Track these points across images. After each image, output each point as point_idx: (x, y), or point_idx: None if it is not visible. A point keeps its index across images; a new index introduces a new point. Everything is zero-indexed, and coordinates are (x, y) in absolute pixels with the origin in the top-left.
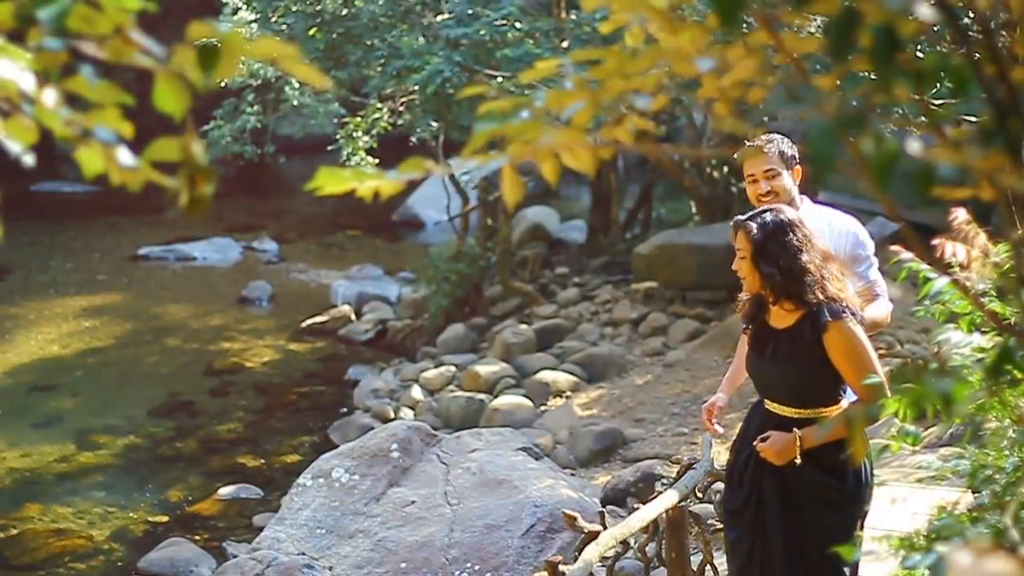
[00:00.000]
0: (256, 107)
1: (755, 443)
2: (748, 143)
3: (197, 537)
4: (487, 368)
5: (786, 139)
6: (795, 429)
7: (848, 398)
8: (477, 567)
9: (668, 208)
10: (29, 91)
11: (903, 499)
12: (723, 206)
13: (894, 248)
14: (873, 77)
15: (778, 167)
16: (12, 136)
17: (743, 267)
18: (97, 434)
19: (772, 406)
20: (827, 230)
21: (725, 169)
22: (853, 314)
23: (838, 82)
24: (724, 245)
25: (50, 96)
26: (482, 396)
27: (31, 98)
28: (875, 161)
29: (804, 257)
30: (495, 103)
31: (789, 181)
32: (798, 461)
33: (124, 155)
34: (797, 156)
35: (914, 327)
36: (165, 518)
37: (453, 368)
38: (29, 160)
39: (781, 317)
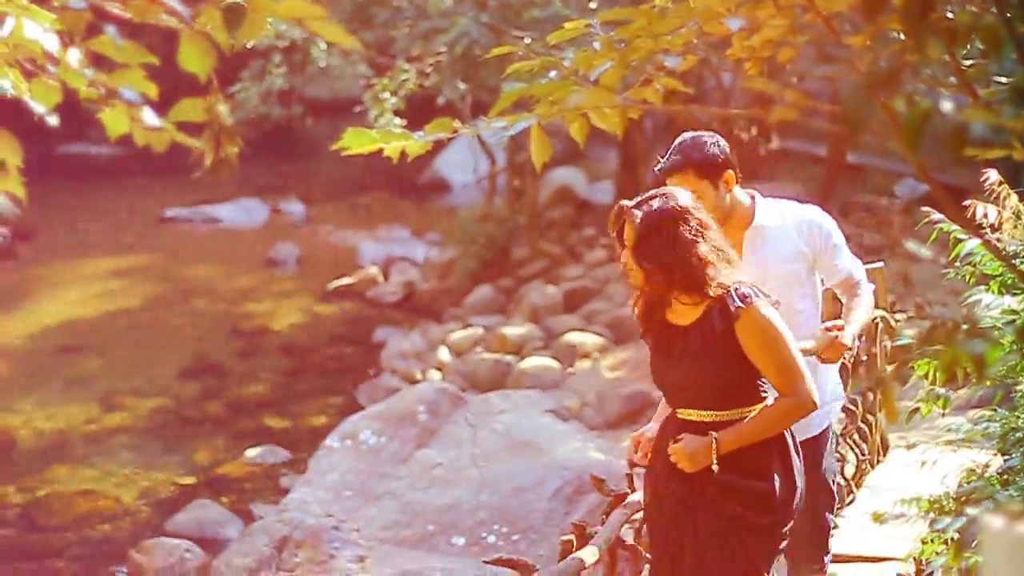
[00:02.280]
0: (283, 68)
1: (668, 448)
2: (661, 158)
3: (224, 499)
4: (514, 330)
5: (707, 142)
6: (711, 432)
7: (772, 394)
8: (504, 529)
9: None
10: (54, 51)
11: (932, 462)
12: (751, 167)
13: (925, 209)
14: (903, 36)
15: (694, 184)
16: (37, 97)
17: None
18: (124, 396)
19: (687, 413)
20: (788, 223)
21: (753, 131)
22: (766, 296)
23: (869, 41)
24: None
25: (74, 56)
26: (509, 358)
27: (56, 58)
28: (907, 121)
29: (701, 248)
30: (524, 63)
31: (714, 192)
32: (715, 467)
33: (148, 115)
34: (724, 155)
35: (943, 289)
36: (192, 480)
37: (480, 330)
38: (53, 121)
39: (683, 313)
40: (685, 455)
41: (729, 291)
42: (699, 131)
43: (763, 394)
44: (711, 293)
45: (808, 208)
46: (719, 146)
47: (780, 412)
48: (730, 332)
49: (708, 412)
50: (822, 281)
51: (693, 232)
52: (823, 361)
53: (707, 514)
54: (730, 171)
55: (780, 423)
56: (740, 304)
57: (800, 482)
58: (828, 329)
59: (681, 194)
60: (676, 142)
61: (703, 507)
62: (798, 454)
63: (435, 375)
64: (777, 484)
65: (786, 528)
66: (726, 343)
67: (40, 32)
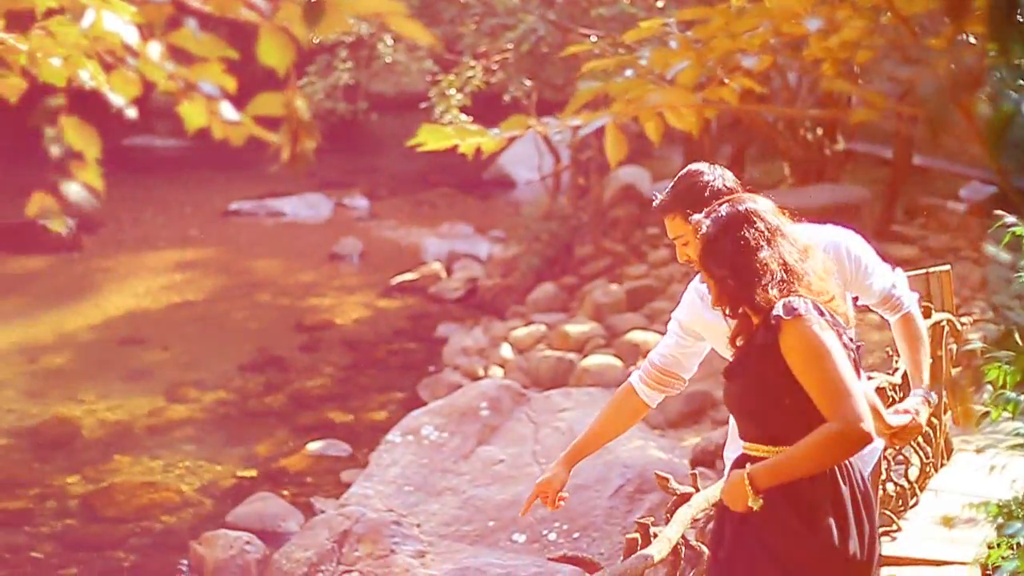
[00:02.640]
0: (349, 64)
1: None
2: (656, 196)
3: (285, 492)
4: (577, 328)
5: (702, 183)
6: (747, 465)
7: None
8: (565, 527)
9: (761, 170)
10: (133, 44)
11: (1001, 466)
12: (816, 168)
13: (999, 212)
14: (980, 40)
15: (684, 227)
16: (116, 89)
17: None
18: (186, 388)
19: (746, 447)
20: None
21: (819, 131)
22: (822, 314)
23: (948, 44)
24: (817, 208)
25: (155, 49)
26: (572, 356)
27: (135, 51)
28: (990, 124)
29: (762, 255)
30: (599, 62)
31: None
32: (754, 507)
33: (227, 109)
34: (719, 196)
35: (1008, 293)
36: (253, 473)
37: (543, 327)
38: (132, 113)
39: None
40: (726, 491)
41: (779, 302)
42: (702, 166)
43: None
44: (758, 301)
45: (828, 230)
46: (716, 186)
47: (821, 439)
48: (773, 349)
49: (761, 447)
50: (855, 299)
51: (756, 238)
52: (891, 444)
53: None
54: None
55: (822, 453)
56: (783, 316)
57: (854, 545)
58: (899, 412)
59: (754, 200)
60: (677, 176)
61: (746, 568)
62: (864, 508)
63: (497, 372)
64: (825, 532)
65: None
66: (768, 362)
67: (120, 24)
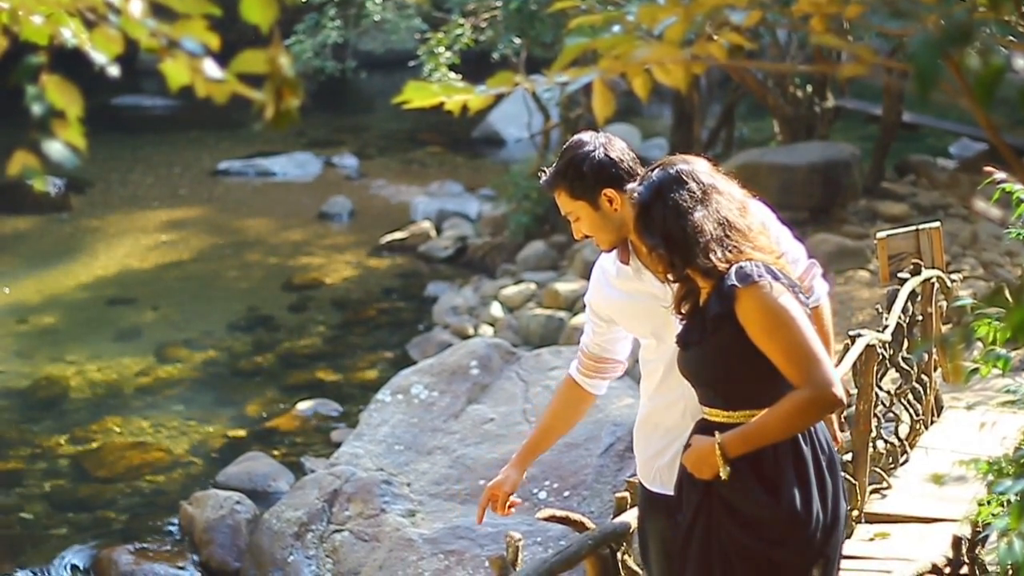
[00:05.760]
0: (337, 22)
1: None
2: (543, 171)
3: (275, 452)
4: (567, 286)
5: (584, 156)
6: (716, 433)
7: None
8: (555, 485)
9: (751, 127)
10: (115, 1)
11: (992, 423)
12: (806, 125)
13: (988, 168)
14: None
15: (574, 210)
16: (98, 47)
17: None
18: (176, 348)
19: (705, 411)
20: None
21: (809, 88)
22: (776, 278)
23: None
24: (807, 165)
25: (136, 6)
26: (562, 314)
27: (117, 8)
28: (981, 78)
29: (696, 216)
30: (586, 18)
31: (594, 212)
32: (723, 475)
33: (210, 67)
34: (602, 170)
35: (997, 250)
36: (243, 433)
37: (533, 285)
38: (114, 71)
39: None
40: (691, 462)
41: (730, 268)
42: (585, 137)
43: (781, 393)
44: (700, 263)
45: None
46: (596, 157)
47: (792, 406)
48: (729, 316)
49: (720, 412)
50: None
51: (688, 200)
52: None
53: (706, 539)
54: (609, 190)
55: (794, 420)
56: (736, 283)
57: (817, 507)
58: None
59: (687, 161)
60: (563, 149)
61: (706, 528)
62: (827, 469)
63: (487, 330)
64: (786, 503)
65: (816, 569)
66: (724, 329)
67: None
